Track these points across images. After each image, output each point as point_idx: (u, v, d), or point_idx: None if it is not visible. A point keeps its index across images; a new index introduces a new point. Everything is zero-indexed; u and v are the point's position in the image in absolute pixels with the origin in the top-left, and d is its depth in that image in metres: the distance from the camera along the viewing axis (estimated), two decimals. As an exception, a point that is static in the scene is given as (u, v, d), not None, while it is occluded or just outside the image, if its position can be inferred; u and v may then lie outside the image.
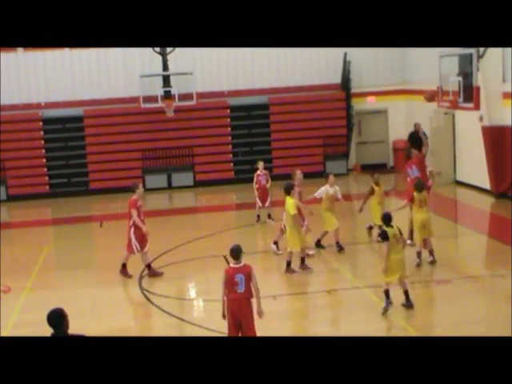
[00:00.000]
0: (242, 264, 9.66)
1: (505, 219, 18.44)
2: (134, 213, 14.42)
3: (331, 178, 15.85)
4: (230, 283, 9.60)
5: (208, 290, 13.54)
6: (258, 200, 19.28)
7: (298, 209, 14.84)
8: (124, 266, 14.79)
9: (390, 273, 11.75)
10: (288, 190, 14.30)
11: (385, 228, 11.79)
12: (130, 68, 26.50)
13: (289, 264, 14.40)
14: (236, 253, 9.68)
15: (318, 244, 15.91)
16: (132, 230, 14.52)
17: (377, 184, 16.25)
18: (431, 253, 14.41)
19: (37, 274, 15.62)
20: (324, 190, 15.68)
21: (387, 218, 11.84)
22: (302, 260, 14.47)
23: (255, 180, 19.43)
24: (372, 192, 16.24)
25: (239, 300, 9.58)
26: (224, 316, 9.76)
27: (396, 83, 27.86)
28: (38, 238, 19.87)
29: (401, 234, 11.96)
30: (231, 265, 9.73)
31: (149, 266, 14.80)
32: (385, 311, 11.75)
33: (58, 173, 26.16)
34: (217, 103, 27.02)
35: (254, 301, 9.74)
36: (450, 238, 15.84)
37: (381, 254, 15.32)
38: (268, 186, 19.35)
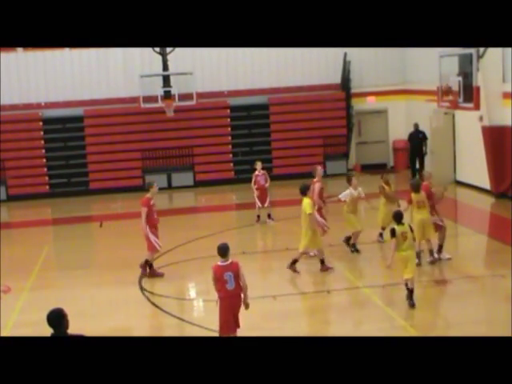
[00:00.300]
0: (229, 262, 9.83)
1: (505, 219, 18.44)
2: (144, 211, 14.42)
3: (354, 180, 15.74)
4: (219, 281, 9.81)
5: (208, 290, 13.48)
6: (257, 200, 19.29)
7: (319, 209, 14.82)
8: (147, 262, 14.71)
9: (403, 269, 11.96)
10: (304, 191, 14.25)
11: (395, 225, 11.99)
12: (130, 68, 26.49)
13: (294, 262, 14.35)
14: (223, 251, 9.84)
15: (347, 242, 15.81)
16: (148, 228, 14.52)
17: (387, 184, 16.06)
18: (431, 253, 14.42)
19: (37, 274, 15.62)
20: (349, 193, 15.51)
21: (398, 216, 12.05)
22: (322, 261, 14.43)
23: (253, 180, 19.44)
24: (382, 193, 16.05)
25: (231, 297, 9.82)
26: None
27: (396, 83, 27.86)
28: (37, 238, 19.87)
29: (412, 231, 12.08)
30: (219, 263, 9.88)
31: (150, 266, 14.79)
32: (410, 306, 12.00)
33: (57, 173, 26.15)
34: (217, 103, 27.02)
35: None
36: (450, 238, 15.81)
37: (382, 254, 15.37)
38: (267, 185, 19.34)
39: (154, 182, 15.21)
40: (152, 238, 14.51)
